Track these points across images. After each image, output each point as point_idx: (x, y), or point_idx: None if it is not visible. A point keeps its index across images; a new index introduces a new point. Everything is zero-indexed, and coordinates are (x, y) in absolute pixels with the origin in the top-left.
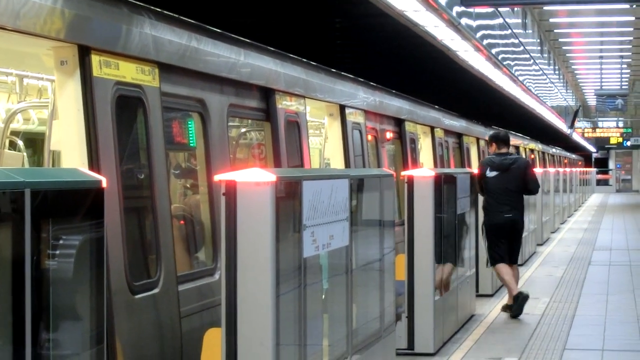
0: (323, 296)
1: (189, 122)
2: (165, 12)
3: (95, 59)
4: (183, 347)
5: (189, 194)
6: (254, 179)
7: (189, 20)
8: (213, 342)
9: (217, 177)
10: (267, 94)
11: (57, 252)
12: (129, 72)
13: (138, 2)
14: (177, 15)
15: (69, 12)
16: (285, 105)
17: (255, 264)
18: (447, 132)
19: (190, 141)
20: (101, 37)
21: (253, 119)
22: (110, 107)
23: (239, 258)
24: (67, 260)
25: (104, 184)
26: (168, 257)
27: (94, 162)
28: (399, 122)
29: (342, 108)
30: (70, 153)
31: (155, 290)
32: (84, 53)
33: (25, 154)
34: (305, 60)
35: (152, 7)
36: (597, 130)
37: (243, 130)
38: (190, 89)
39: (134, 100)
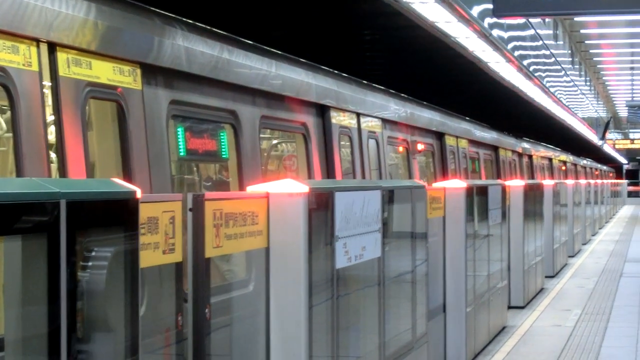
0: (355, 307)
1: (221, 133)
2: (197, 24)
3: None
4: None
5: None
6: (287, 190)
7: (220, 32)
8: None
9: (249, 188)
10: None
11: (93, 263)
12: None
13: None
14: (208, 27)
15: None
16: (339, 120)
17: (288, 275)
18: (475, 143)
19: (223, 152)
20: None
21: (285, 131)
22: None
23: (271, 269)
24: (102, 272)
25: (139, 195)
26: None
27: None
28: (438, 135)
29: (359, 118)
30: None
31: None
32: None
33: None
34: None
35: (185, 19)
36: (629, 141)
37: (275, 142)
38: (223, 100)
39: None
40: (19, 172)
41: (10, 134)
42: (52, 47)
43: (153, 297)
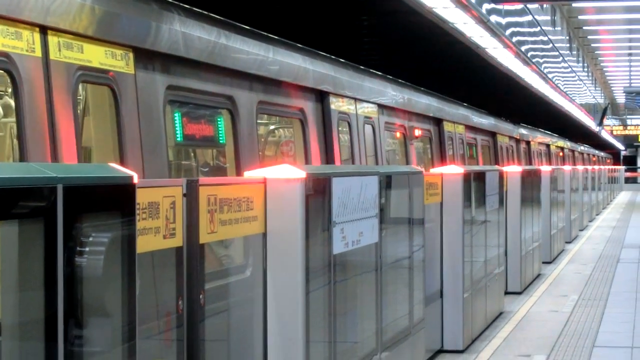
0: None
1: (219, 119)
2: (194, 9)
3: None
4: None
5: None
6: (284, 176)
7: (218, 17)
8: None
9: (246, 174)
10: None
11: (90, 248)
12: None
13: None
14: (205, 12)
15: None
16: (338, 106)
17: (286, 260)
18: (473, 129)
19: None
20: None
21: (282, 116)
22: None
23: (268, 255)
24: (99, 257)
25: (136, 180)
26: None
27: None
28: (435, 121)
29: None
30: None
31: None
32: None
33: None
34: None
35: (182, 4)
36: (636, 127)
37: (272, 127)
38: (220, 86)
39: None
40: (23, 158)
41: (7, 120)
42: (44, 31)
43: (154, 282)
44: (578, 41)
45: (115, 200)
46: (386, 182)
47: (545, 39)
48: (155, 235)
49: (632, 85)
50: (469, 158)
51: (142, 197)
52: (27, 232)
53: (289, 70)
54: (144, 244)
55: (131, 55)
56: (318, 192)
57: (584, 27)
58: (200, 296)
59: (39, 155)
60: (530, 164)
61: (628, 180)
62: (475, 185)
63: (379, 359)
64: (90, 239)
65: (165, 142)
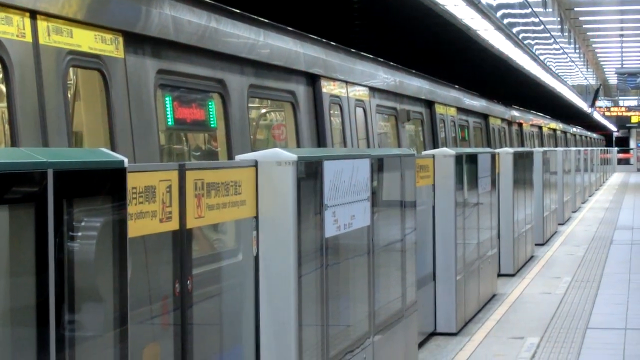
0: (345, 276)
1: (210, 103)
2: None
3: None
4: None
5: None
6: (275, 159)
7: (207, 0)
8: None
9: (237, 157)
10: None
11: (81, 233)
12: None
13: None
14: None
15: None
16: (329, 89)
17: (277, 244)
18: (465, 111)
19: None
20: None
21: (273, 100)
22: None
23: (260, 239)
24: (91, 242)
25: (127, 164)
26: None
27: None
28: (427, 104)
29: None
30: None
31: None
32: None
33: None
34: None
35: None
36: (618, 109)
37: (263, 111)
38: (211, 69)
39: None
40: (13, 143)
41: None
42: (33, 16)
43: (151, 265)
44: (570, 22)
45: (106, 184)
46: (378, 165)
47: (537, 20)
48: (152, 219)
49: (624, 66)
50: (461, 140)
51: (139, 181)
52: (18, 217)
53: (280, 53)
54: (141, 227)
55: (121, 39)
56: (310, 176)
57: (576, 9)
58: (188, 282)
59: (29, 140)
60: (523, 146)
61: (621, 162)
62: (467, 168)
63: (371, 342)
64: (82, 223)
65: (156, 126)
